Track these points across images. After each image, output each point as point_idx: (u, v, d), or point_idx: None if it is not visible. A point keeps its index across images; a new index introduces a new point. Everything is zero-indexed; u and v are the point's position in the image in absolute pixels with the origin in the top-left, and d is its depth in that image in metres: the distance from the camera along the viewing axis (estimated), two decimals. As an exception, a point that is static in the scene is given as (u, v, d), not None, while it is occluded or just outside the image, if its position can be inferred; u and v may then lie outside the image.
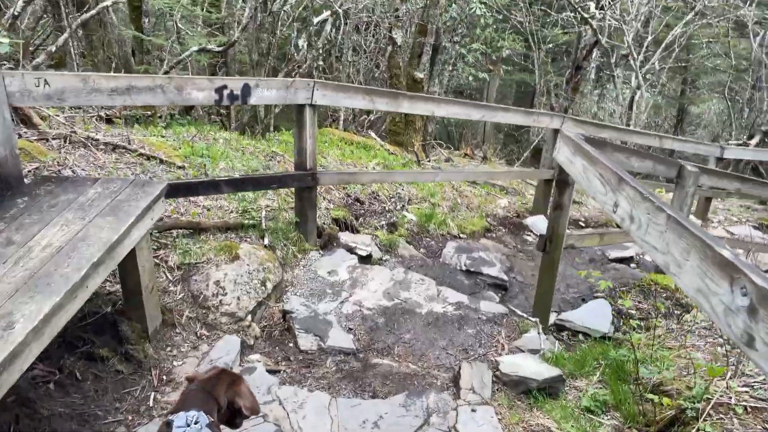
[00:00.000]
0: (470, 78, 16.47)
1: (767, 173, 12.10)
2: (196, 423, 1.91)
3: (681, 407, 2.50)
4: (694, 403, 2.49)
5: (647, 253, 2.08)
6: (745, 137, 12.11)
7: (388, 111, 7.84)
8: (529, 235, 7.28)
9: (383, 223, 5.94)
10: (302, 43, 10.05)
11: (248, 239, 4.46)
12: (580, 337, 4.46)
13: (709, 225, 9.26)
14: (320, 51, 9.10)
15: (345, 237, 5.14)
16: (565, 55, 20.15)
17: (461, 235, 6.46)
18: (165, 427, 1.94)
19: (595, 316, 4.62)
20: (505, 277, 5.40)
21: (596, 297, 5.62)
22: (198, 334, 3.52)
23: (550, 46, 15.18)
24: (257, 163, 5.77)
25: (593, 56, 13.91)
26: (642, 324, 4.68)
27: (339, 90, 4.54)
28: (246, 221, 4.61)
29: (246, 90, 3.89)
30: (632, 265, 7.31)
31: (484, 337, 3.89)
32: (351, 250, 4.93)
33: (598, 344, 3.69)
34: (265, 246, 4.44)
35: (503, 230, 7.16)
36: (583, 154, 2.88)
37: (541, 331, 3.82)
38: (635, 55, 9.44)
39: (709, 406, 2.43)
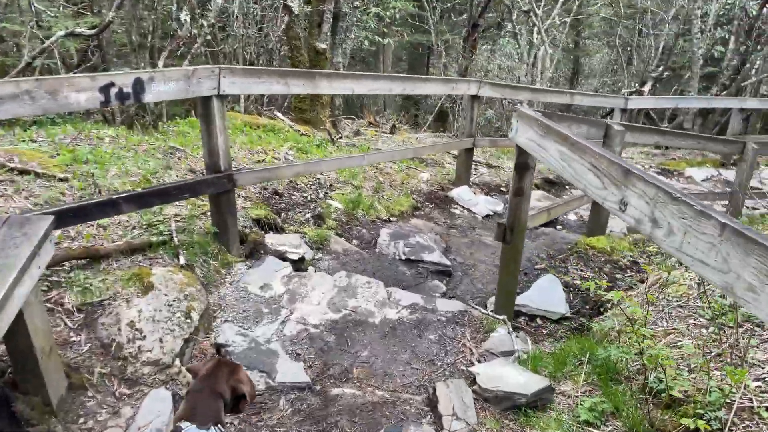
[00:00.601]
0: (366, 43, 15.96)
1: (659, 118, 12.67)
2: None
3: (699, 415, 2.24)
4: (714, 411, 2.23)
5: (689, 267, 1.74)
6: (636, 84, 12.54)
7: (306, 94, 7.18)
8: (456, 208, 7.00)
9: (308, 216, 5.39)
10: (184, 16, 9.02)
11: (160, 261, 3.78)
12: (539, 321, 4.22)
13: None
14: (208, 25, 8.17)
15: (271, 240, 4.56)
16: (452, 13, 19.98)
17: (391, 218, 6.05)
18: None
19: (549, 295, 4.39)
20: (447, 262, 5.07)
21: (537, 270, 5.44)
22: (117, 395, 2.87)
23: (446, 5, 14.91)
24: (155, 164, 4.99)
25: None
26: (592, 295, 4.53)
27: (249, 75, 3.89)
28: (154, 238, 3.91)
29: (138, 86, 3.18)
30: (558, 227, 7.27)
31: (448, 343, 3.52)
32: (281, 256, 4.37)
33: (574, 338, 3.41)
34: (182, 266, 3.78)
35: (430, 206, 6.83)
36: (560, 139, 2.51)
37: (510, 330, 3.49)
38: (537, 11, 9.31)
39: (732, 413, 2.19)
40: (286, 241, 4.61)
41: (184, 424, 1.91)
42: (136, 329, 3.10)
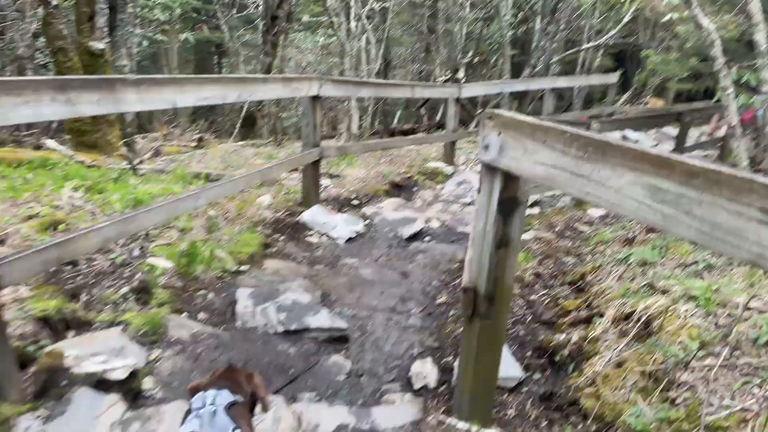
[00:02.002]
0: (144, 43, 13.75)
1: (472, 105, 12.61)
2: (211, 404, 1.71)
3: None
4: None
5: None
6: (449, 72, 12.30)
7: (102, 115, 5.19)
8: (313, 235, 5.68)
9: (125, 289, 3.68)
10: None
11: None
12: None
13: (458, 168, 8.94)
14: None
15: (75, 351, 2.82)
16: (234, 8, 18.17)
17: (241, 267, 4.54)
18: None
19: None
20: (342, 324, 3.77)
21: (442, 307, 4.41)
22: None
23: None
24: None
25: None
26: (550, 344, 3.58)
27: (6, 93, 2.17)
28: None
29: None
30: (426, 238, 6.35)
31: (418, 489, 2.24)
32: (99, 381, 2.69)
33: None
34: None
35: (282, 239, 5.42)
36: (654, 166, 1.38)
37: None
38: None
39: None
40: (99, 348, 2.92)
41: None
42: None
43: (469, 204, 7.73)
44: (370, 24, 8.55)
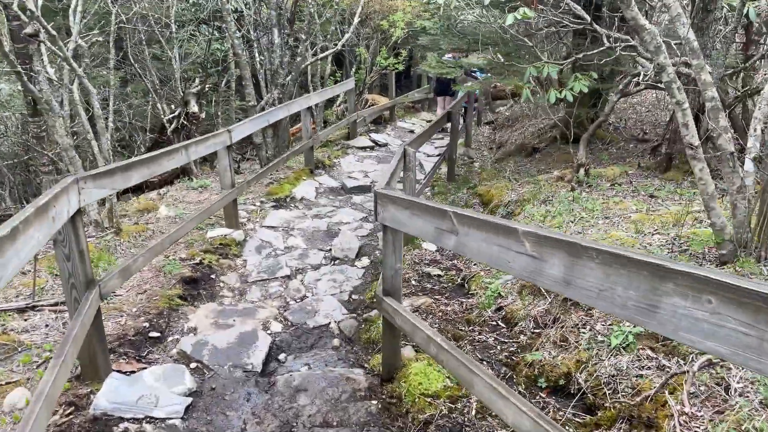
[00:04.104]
0: None
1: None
2: None
3: None
4: None
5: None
6: (174, 107, 10.04)
7: None
8: (127, 430, 3.46)
9: None
10: None
11: None
12: None
13: (245, 228, 7.13)
14: None
15: None
16: None
17: None
18: None
19: None
20: None
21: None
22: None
23: None
24: None
25: None
26: None
27: None
28: None
29: None
30: (281, 357, 4.57)
31: None
32: None
33: None
34: None
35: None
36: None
37: None
38: (51, 31, 5.39)
39: None
40: None
41: None
42: None
43: (288, 277, 6.07)
44: (81, 67, 5.97)
